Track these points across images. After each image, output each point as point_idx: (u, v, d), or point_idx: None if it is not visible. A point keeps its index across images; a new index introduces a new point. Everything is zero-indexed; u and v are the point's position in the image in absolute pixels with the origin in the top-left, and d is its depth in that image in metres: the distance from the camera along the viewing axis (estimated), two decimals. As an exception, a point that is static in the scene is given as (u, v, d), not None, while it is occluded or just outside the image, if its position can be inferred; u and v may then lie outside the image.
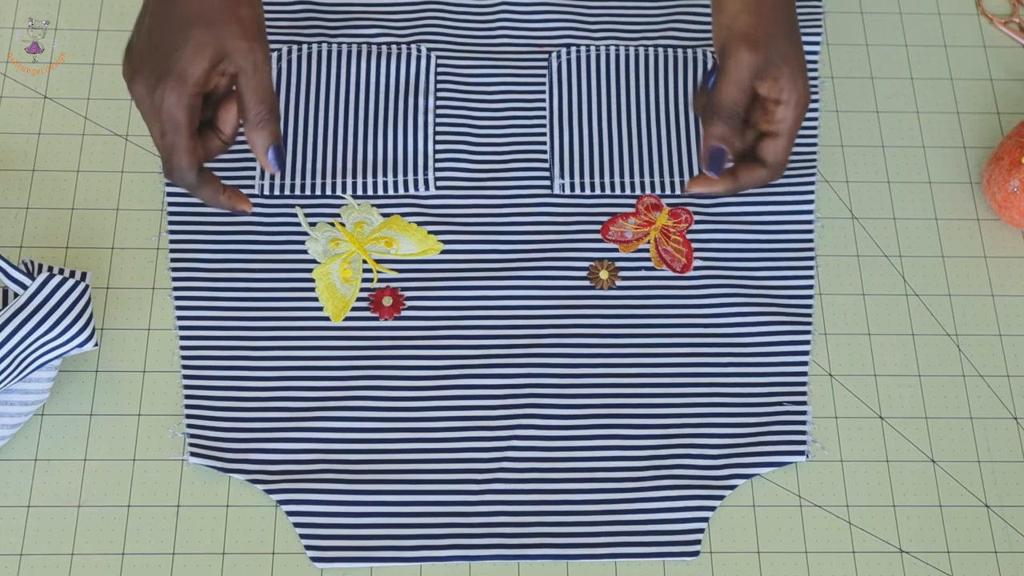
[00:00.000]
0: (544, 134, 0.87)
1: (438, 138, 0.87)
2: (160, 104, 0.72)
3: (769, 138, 0.79)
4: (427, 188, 0.85)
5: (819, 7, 0.93)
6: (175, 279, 0.82)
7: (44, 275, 0.74)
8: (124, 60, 0.75)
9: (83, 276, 0.77)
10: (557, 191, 0.86)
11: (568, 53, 0.90)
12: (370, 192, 0.85)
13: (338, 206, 0.84)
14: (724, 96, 0.77)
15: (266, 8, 0.89)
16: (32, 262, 0.77)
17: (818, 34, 0.92)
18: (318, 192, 0.85)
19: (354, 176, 0.85)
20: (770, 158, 0.79)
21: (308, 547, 0.75)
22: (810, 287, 0.84)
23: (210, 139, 0.76)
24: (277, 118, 0.76)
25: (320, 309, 0.81)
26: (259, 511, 0.76)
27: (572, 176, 0.86)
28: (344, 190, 0.85)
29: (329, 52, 0.89)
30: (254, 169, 0.85)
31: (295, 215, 0.84)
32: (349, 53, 0.89)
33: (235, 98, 0.75)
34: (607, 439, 0.78)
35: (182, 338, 0.80)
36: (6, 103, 0.87)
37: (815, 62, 0.91)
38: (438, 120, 0.87)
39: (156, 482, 0.77)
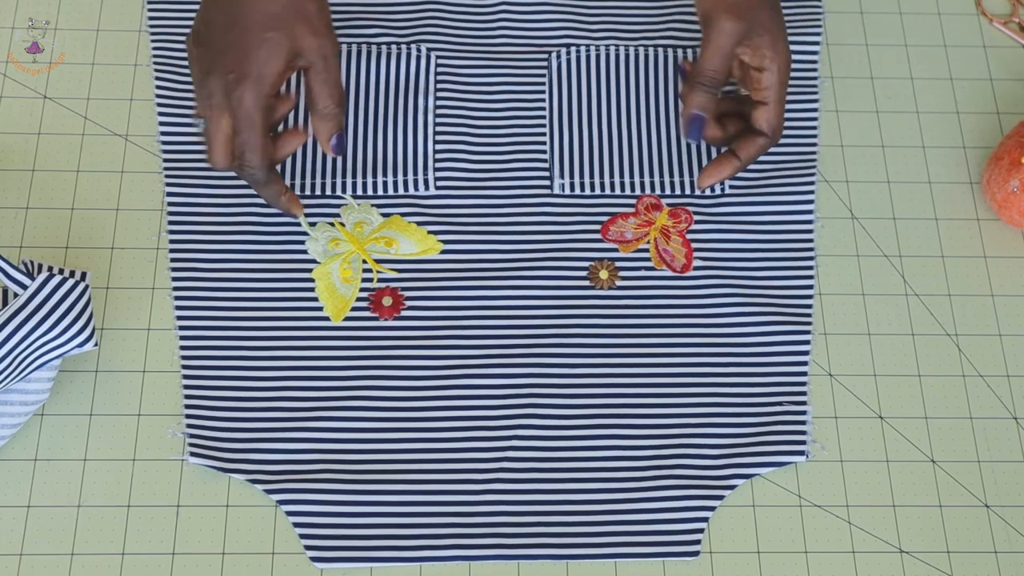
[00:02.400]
0: (544, 134, 0.87)
1: (438, 138, 0.87)
2: (239, 104, 0.75)
3: (760, 107, 0.81)
4: (427, 188, 0.85)
5: (819, 7, 0.93)
6: (175, 279, 0.82)
7: (44, 275, 0.74)
8: (194, 49, 0.77)
9: (83, 276, 0.77)
10: (557, 191, 0.86)
11: (568, 53, 0.90)
12: (370, 192, 0.85)
13: (338, 206, 0.84)
14: (705, 63, 0.79)
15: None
16: (32, 262, 0.77)
17: (818, 34, 0.92)
18: (318, 192, 0.85)
19: (354, 176, 0.85)
20: (764, 126, 0.81)
21: (308, 547, 0.75)
22: (810, 287, 0.84)
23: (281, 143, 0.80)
24: (344, 110, 0.80)
25: (320, 309, 0.81)
26: (259, 511, 0.76)
27: (572, 176, 0.86)
28: (344, 190, 0.85)
29: (329, 52, 0.89)
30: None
31: (295, 215, 0.84)
32: (349, 53, 0.89)
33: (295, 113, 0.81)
34: (607, 439, 0.78)
35: (182, 338, 0.80)
36: (6, 103, 0.87)
37: (815, 62, 0.91)
38: (438, 120, 0.87)
39: (156, 482, 0.77)
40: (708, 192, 0.85)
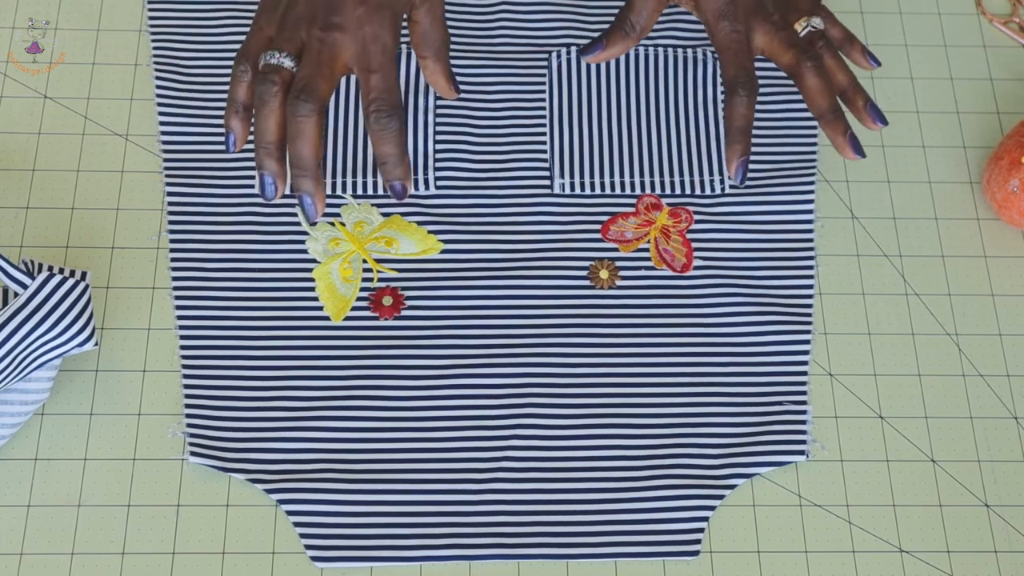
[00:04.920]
0: (544, 134, 0.87)
1: (438, 138, 0.87)
2: (373, 38, 0.71)
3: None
4: (427, 188, 0.85)
5: (819, 7, 0.93)
6: (175, 279, 0.82)
7: (44, 275, 0.74)
8: None
9: (83, 276, 0.77)
10: (557, 191, 0.86)
11: (568, 53, 0.90)
12: (370, 192, 0.85)
13: (338, 206, 0.84)
14: (727, 75, 0.78)
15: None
16: (32, 262, 0.77)
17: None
18: (318, 192, 0.85)
19: (354, 176, 0.85)
20: (726, 77, 0.79)
21: (308, 547, 0.75)
22: (810, 287, 0.84)
23: None
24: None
25: (320, 309, 0.81)
26: (259, 511, 0.76)
27: (572, 176, 0.86)
28: (344, 190, 0.85)
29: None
30: (255, 170, 0.85)
31: (295, 215, 0.84)
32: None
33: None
34: (607, 438, 0.79)
35: (182, 338, 0.81)
36: (6, 103, 0.87)
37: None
38: (438, 120, 0.87)
39: (156, 482, 0.77)
40: (708, 192, 0.85)
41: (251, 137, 0.75)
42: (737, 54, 0.79)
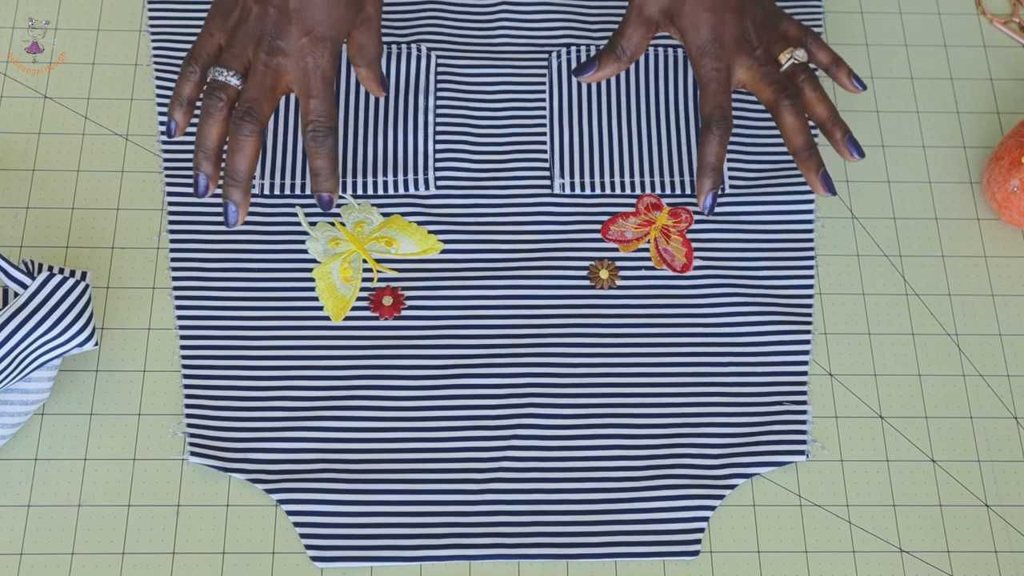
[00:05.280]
0: (544, 134, 0.87)
1: (438, 138, 0.87)
2: (314, 67, 0.77)
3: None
4: (427, 188, 0.85)
5: (819, 7, 0.93)
6: (175, 279, 0.82)
7: (44, 275, 0.74)
8: (253, 7, 0.77)
9: (83, 276, 0.77)
10: (557, 191, 0.86)
11: (568, 53, 0.90)
12: (370, 192, 0.85)
13: (338, 206, 0.84)
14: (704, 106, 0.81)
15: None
16: (32, 262, 0.77)
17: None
18: (318, 192, 0.85)
19: (354, 176, 0.85)
20: (703, 112, 0.81)
21: (308, 547, 0.75)
22: (810, 287, 0.84)
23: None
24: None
25: (320, 309, 0.81)
26: (259, 511, 0.76)
27: (572, 176, 0.86)
28: (344, 190, 0.85)
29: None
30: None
31: (295, 215, 0.84)
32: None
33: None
34: (607, 438, 0.79)
35: (182, 338, 0.81)
36: (6, 103, 0.87)
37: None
38: (438, 120, 0.87)
39: (156, 482, 0.77)
40: (696, 191, 0.85)
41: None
42: (715, 92, 0.80)
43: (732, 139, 0.87)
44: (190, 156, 0.86)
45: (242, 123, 0.76)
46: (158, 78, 0.88)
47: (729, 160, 0.86)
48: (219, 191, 0.81)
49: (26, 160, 0.86)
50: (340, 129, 0.86)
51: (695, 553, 0.76)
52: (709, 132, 0.80)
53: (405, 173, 0.85)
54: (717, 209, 0.85)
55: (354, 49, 0.81)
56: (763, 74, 0.80)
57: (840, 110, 0.89)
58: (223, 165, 0.78)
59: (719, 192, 0.82)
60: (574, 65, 0.89)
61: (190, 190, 0.84)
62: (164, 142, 0.86)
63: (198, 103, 0.80)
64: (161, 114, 0.87)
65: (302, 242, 0.83)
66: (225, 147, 0.78)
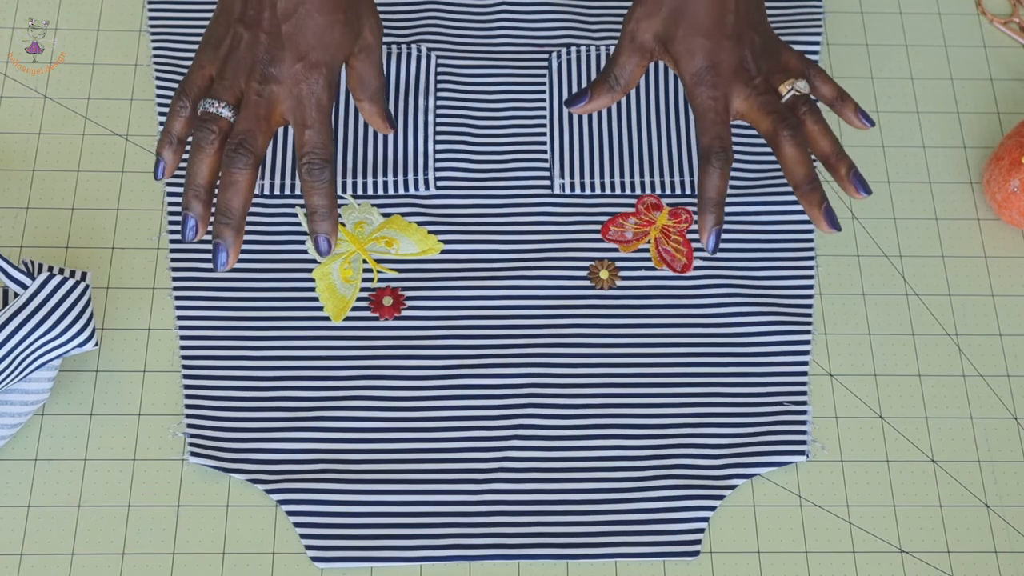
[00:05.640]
0: (544, 134, 0.87)
1: (438, 138, 0.87)
2: (308, 94, 0.73)
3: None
4: (427, 188, 0.85)
5: (819, 7, 0.93)
6: (175, 279, 0.82)
7: (44, 275, 0.74)
8: (243, 32, 0.74)
9: (83, 276, 0.77)
10: (557, 191, 0.86)
11: (568, 53, 0.90)
12: (370, 192, 0.85)
13: (338, 206, 0.84)
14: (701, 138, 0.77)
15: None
16: (32, 262, 0.77)
17: (818, 34, 0.92)
18: (318, 192, 0.85)
19: (354, 176, 0.85)
20: (702, 144, 0.77)
21: (308, 547, 0.75)
22: (810, 287, 0.84)
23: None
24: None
25: (320, 309, 0.81)
26: (259, 511, 0.76)
27: (572, 176, 0.86)
28: (344, 190, 0.85)
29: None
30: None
31: (295, 215, 0.84)
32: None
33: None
34: (607, 439, 0.79)
35: (182, 338, 0.81)
36: (6, 103, 0.87)
37: (815, 63, 0.91)
38: (438, 120, 0.87)
39: (156, 482, 0.77)
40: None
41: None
42: (713, 123, 0.76)
43: (732, 139, 0.86)
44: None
45: (236, 156, 0.72)
46: (158, 78, 0.88)
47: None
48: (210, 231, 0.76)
49: (26, 160, 0.86)
50: (341, 129, 0.86)
51: (695, 553, 0.76)
52: (709, 165, 0.76)
53: (405, 173, 0.85)
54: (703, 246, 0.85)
55: (354, 81, 0.78)
56: (761, 103, 0.76)
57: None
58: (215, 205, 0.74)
59: (722, 230, 0.78)
60: (574, 65, 0.89)
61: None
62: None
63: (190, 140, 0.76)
64: (161, 114, 0.87)
65: (302, 242, 0.83)
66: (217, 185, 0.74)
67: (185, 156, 0.83)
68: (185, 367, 0.80)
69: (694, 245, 0.84)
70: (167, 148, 0.75)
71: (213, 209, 0.74)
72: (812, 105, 0.78)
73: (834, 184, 0.87)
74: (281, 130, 0.86)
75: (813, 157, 0.78)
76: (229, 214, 0.73)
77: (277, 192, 0.84)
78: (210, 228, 0.74)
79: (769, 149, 0.87)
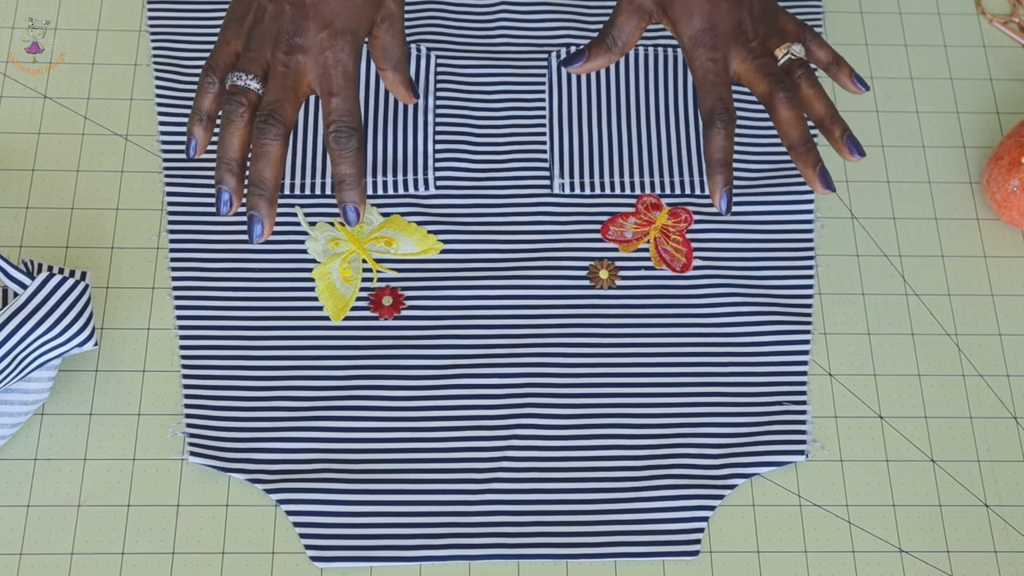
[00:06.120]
0: (544, 134, 0.87)
1: (438, 138, 0.87)
2: (335, 63, 0.73)
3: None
4: (427, 188, 0.85)
5: (819, 7, 0.93)
6: (175, 279, 0.82)
7: (44, 275, 0.74)
8: (267, 4, 0.74)
9: (83, 276, 0.77)
10: (557, 191, 0.86)
11: (568, 53, 0.90)
12: (370, 192, 0.85)
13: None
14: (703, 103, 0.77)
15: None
16: (32, 262, 0.77)
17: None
18: (318, 192, 0.85)
19: (354, 176, 0.85)
20: (703, 107, 0.78)
21: (308, 547, 0.75)
22: (810, 287, 0.84)
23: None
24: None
25: (320, 309, 0.81)
26: (259, 511, 0.76)
27: (572, 176, 0.86)
28: (344, 190, 0.85)
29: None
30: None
31: (295, 215, 0.84)
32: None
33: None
34: (606, 438, 0.79)
35: (182, 338, 0.81)
36: (6, 103, 0.88)
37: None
38: (438, 120, 0.87)
39: (156, 482, 0.77)
40: (708, 191, 0.85)
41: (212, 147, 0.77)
42: (714, 85, 0.77)
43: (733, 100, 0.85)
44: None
45: (265, 127, 0.72)
46: (158, 78, 0.88)
47: None
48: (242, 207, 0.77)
49: (26, 160, 0.86)
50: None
51: (695, 553, 0.76)
52: (713, 126, 0.76)
53: (405, 173, 0.85)
54: (717, 209, 0.85)
55: (377, 51, 0.78)
56: (758, 66, 0.77)
57: (841, 110, 0.89)
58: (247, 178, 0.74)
59: (732, 189, 0.78)
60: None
61: (190, 190, 0.84)
62: (164, 142, 0.86)
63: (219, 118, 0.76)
64: (161, 114, 0.87)
65: (302, 242, 0.83)
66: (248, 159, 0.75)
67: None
68: (185, 367, 0.80)
69: (694, 245, 0.84)
70: (198, 125, 0.75)
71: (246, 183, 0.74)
72: (807, 69, 0.78)
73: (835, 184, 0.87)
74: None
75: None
76: (263, 184, 0.72)
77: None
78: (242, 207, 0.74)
79: (769, 149, 0.87)
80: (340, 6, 0.74)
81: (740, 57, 0.78)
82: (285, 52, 0.73)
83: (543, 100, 0.88)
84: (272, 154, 0.72)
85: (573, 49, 0.89)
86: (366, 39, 0.77)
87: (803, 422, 0.80)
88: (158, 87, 0.88)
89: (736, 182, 0.86)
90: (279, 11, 0.74)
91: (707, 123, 0.77)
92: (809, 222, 0.85)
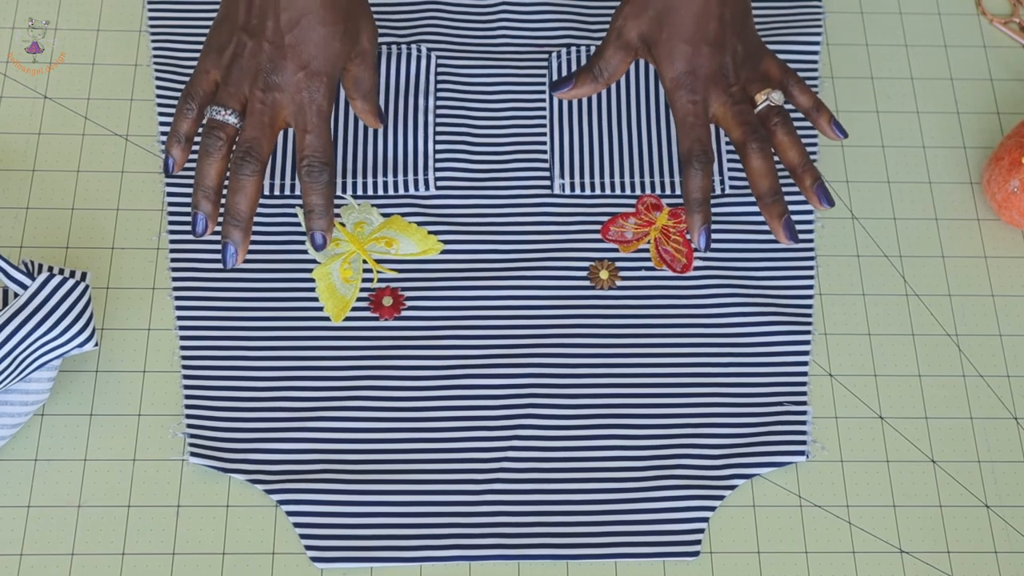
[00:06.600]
0: (544, 134, 0.87)
1: (438, 138, 0.87)
2: (310, 102, 0.77)
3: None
4: (427, 188, 0.85)
5: (819, 7, 0.93)
6: (175, 279, 0.82)
7: (44, 275, 0.74)
8: (246, 41, 0.78)
9: (83, 276, 0.77)
10: (557, 191, 0.86)
11: (568, 53, 0.90)
12: (370, 192, 0.85)
13: (338, 206, 0.84)
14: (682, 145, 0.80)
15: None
16: (32, 262, 0.77)
17: (818, 34, 0.92)
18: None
19: (354, 176, 0.85)
20: (682, 148, 0.80)
21: (308, 547, 0.75)
22: (810, 287, 0.84)
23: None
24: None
25: (320, 309, 0.81)
26: (259, 511, 0.76)
27: (572, 176, 0.86)
28: (344, 190, 0.85)
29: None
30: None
31: (295, 215, 0.84)
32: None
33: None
34: (607, 439, 0.79)
35: (182, 338, 0.81)
36: (6, 103, 0.87)
37: (815, 62, 0.91)
38: (438, 120, 0.87)
39: (156, 482, 0.77)
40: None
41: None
42: (693, 127, 0.79)
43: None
44: (190, 156, 0.85)
45: (243, 163, 0.76)
46: (158, 78, 0.88)
47: (729, 160, 0.86)
48: (218, 229, 0.81)
49: (26, 160, 0.86)
50: (340, 130, 0.86)
51: (695, 554, 0.76)
52: (691, 167, 0.79)
53: (405, 173, 0.85)
54: (717, 209, 0.85)
55: (349, 83, 0.81)
56: (735, 112, 0.79)
57: (840, 110, 0.90)
58: (223, 204, 0.78)
59: (711, 227, 0.80)
60: (574, 65, 0.89)
61: (190, 190, 0.84)
62: (164, 142, 0.86)
63: (197, 138, 0.80)
64: (161, 114, 0.87)
65: (302, 242, 0.83)
66: (225, 185, 0.79)
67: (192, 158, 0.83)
68: (185, 367, 0.80)
69: (694, 245, 0.84)
70: (176, 146, 0.79)
71: (221, 208, 0.78)
72: (785, 116, 0.80)
73: (835, 185, 0.87)
74: (282, 134, 0.86)
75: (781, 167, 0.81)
76: (239, 216, 0.77)
77: (277, 192, 0.84)
78: (218, 228, 0.79)
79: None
80: (318, 49, 0.77)
81: (719, 101, 0.80)
82: (262, 89, 0.77)
83: (543, 100, 0.88)
84: (248, 188, 0.77)
85: (584, 58, 0.89)
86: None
87: (803, 422, 0.80)
88: (158, 87, 0.88)
89: (736, 182, 0.86)
90: (258, 49, 0.77)
91: (685, 163, 0.79)
92: (809, 222, 0.85)
